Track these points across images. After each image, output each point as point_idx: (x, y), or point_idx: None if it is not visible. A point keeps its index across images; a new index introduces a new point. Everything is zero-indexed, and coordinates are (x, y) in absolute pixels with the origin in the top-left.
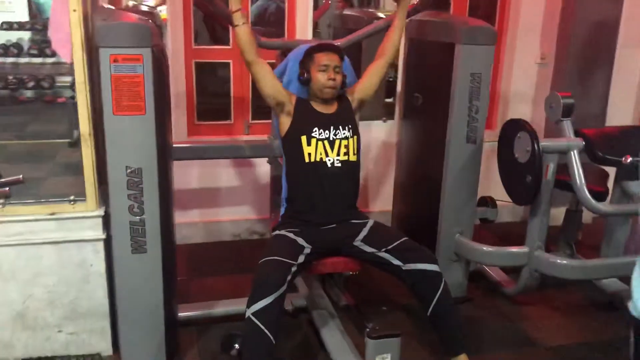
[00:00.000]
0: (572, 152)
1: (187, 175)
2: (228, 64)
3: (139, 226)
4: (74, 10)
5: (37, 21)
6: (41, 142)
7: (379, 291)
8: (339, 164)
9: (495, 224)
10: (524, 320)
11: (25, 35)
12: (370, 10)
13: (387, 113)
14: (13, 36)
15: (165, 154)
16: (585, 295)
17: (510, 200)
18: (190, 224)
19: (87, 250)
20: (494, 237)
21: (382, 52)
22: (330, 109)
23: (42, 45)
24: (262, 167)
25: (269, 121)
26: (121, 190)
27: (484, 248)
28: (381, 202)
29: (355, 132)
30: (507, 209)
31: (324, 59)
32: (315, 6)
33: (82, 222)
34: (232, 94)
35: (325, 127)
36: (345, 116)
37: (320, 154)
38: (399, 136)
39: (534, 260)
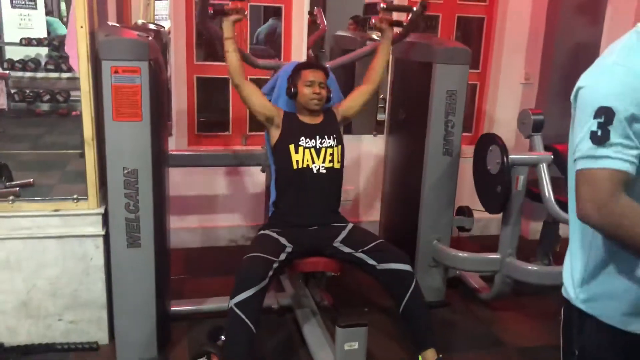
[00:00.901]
0: (541, 165)
1: (186, 183)
2: (227, 79)
3: (134, 222)
4: (81, 27)
5: (54, 38)
6: (54, 153)
7: (363, 294)
8: (324, 171)
9: (483, 236)
10: (497, 323)
11: (43, 51)
12: (363, 33)
13: (378, 128)
14: (32, 52)
15: (160, 159)
16: (558, 303)
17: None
18: (188, 229)
19: (88, 245)
20: (477, 248)
21: (367, 80)
22: (316, 120)
23: (58, 61)
24: (258, 177)
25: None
26: (118, 189)
27: (459, 254)
28: (370, 213)
29: (340, 142)
30: (494, 222)
31: (309, 75)
32: (313, 30)
33: (84, 218)
34: (230, 108)
35: (312, 137)
36: (331, 127)
37: (307, 161)
38: (386, 150)
39: (506, 266)
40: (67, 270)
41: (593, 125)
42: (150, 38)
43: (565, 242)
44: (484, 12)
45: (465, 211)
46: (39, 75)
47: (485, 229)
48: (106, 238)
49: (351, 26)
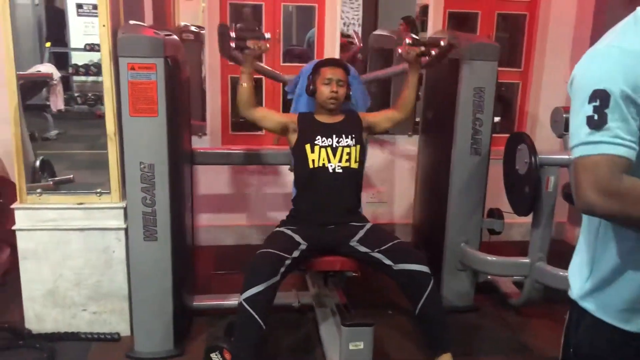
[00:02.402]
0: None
1: (217, 181)
2: (260, 79)
3: (151, 216)
4: (103, 26)
5: None
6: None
7: (388, 296)
8: (340, 170)
9: (518, 242)
10: (525, 330)
11: None
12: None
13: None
14: (95, 57)
15: (179, 156)
16: None
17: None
18: (219, 227)
19: (110, 237)
20: (509, 252)
21: (397, 108)
22: (335, 119)
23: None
24: (288, 176)
25: None
26: (136, 184)
27: (487, 257)
28: (404, 215)
29: (359, 142)
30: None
31: (328, 72)
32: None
33: (107, 212)
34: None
35: (328, 135)
36: (351, 127)
37: (323, 160)
38: (418, 150)
39: (536, 271)
40: (90, 262)
41: (588, 110)
42: (172, 36)
43: None
44: (526, 9)
45: (495, 213)
46: (101, 79)
47: (527, 234)
48: (127, 231)
49: (402, 26)
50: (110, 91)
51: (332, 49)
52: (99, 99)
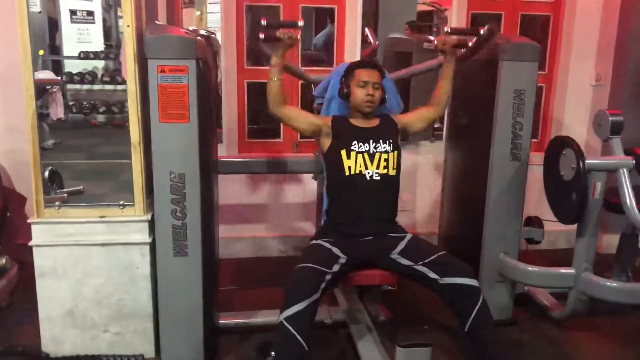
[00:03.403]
0: (621, 171)
1: (237, 191)
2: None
3: (181, 230)
4: (127, 26)
5: (112, 51)
6: (108, 162)
7: (422, 310)
8: (378, 177)
9: (549, 250)
10: (569, 344)
11: (100, 64)
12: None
13: (436, 134)
14: (89, 65)
15: (208, 164)
16: (638, 324)
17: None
18: (239, 238)
19: (134, 253)
20: (546, 262)
21: (434, 102)
22: (371, 123)
23: (114, 74)
24: (310, 185)
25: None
26: (165, 195)
27: (529, 268)
28: (428, 223)
29: (396, 147)
30: (562, 235)
31: (363, 75)
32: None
33: (130, 225)
34: None
35: (365, 141)
36: (387, 132)
37: (360, 167)
38: (445, 156)
39: (581, 282)
40: (112, 279)
41: None
42: (198, 37)
43: None
44: (550, 10)
45: (534, 222)
46: (96, 87)
47: (553, 243)
48: (152, 246)
49: (407, 31)
50: (135, 96)
51: (353, 52)
52: (95, 108)
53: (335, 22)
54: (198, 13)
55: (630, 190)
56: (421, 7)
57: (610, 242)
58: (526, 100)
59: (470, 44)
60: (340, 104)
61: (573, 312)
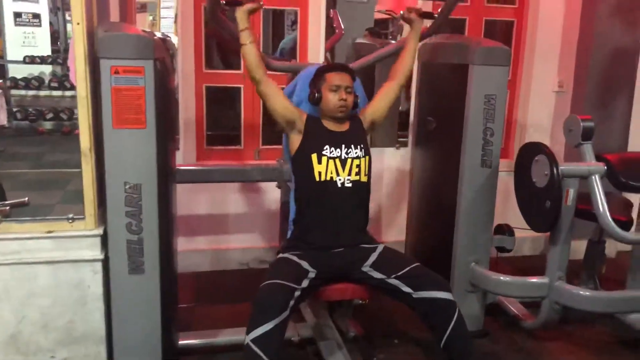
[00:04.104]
0: (593, 177)
1: (194, 200)
2: (239, 88)
3: (137, 245)
4: (77, 24)
5: (59, 55)
6: (55, 172)
7: (391, 323)
8: (350, 184)
9: (515, 257)
10: (545, 356)
11: (47, 69)
12: (383, 40)
13: (400, 141)
14: (35, 70)
15: (167, 174)
16: (610, 332)
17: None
18: (197, 251)
19: (85, 270)
20: (514, 270)
21: (394, 74)
22: (342, 127)
23: (62, 79)
24: (272, 194)
25: (280, 146)
26: (119, 207)
27: (501, 278)
28: (394, 232)
29: (367, 152)
30: (527, 242)
31: (335, 78)
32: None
33: (80, 241)
34: (242, 119)
35: (337, 146)
36: (358, 136)
37: (331, 173)
38: (412, 163)
39: (555, 291)
40: (60, 300)
41: None
42: (156, 37)
43: (611, 262)
44: (514, 15)
45: (505, 230)
46: (42, 93)
47: (519, 249)
48: (105, 263)
49: (367, 37)
50: (86, 100)
51: (316, 55)
52: (42, 114)
53: (298, 25)
54: (150, 18)
55: (603, 197)
56: (378, 15)
57: (575, 248)
58: (497, 106)
59: (435, 15)
60: (309, 108)
61: (546, 322)
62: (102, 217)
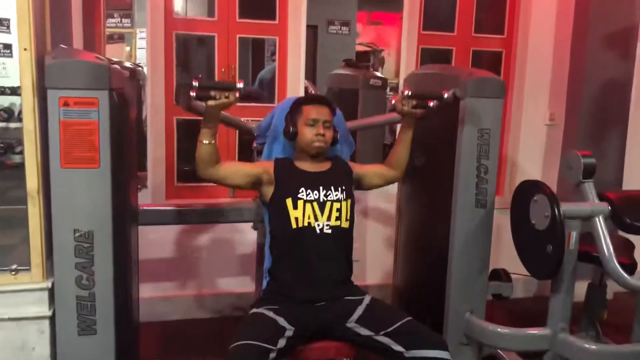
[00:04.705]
0: (597, 218)
1: (160, 242)
2: None
3: (88, 302)
4: (25, 49)
5: None
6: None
7: None
8: (329, 230)
9: (508, 301)
10: None
11: (17, 100)
12: (367, 70)
13: None
14: (5, 101)
15: (125, 217)
16: None
17: (527, 274)
18: (163, 298)
19: (29, 330)
20: (509, 315)
21: (391, 165)
22: (320, 167)
23: None
24: (248, 234)
25: None
26: (67, 258)
27: (499, 330)
28: (380, 274)
29: (350, 195)
30: (519, 283)
31: (312, 112)
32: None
33: (25, 296)
34: None
35: (314, 187)
36: (339, 177)
37: (309, 218)
38: (398, 201)
39: (558, 344)
40: None
41: None
42: (114, 66)
43: (613, 308)
44: (502, 46)
45: (501, 275)
46: (12, 125)
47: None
48: (54, 320)
49: (344, 69)
50: (33, 135)
51: (295, 87)
52: (10, 147)
53: (277, 56)
54: (128, 49)
55: (608, 240)
56: (360, 48)
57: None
58: (491, 141)
59: (431, 104)
60: (285, 144)
61: None
62: (51, 268)
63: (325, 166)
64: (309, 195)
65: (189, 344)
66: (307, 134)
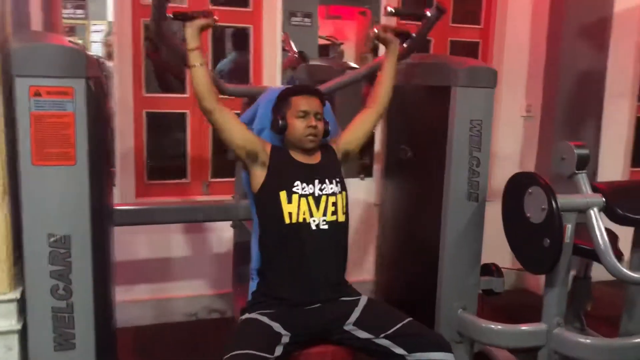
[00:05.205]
0: (591, 210)
1: (131, 243)
2: (184, 114)
3: (66, 313)
4: None
5: None
6: None
7: None
8: (326, 226)
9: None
10: None
11: None
12: (341, 61)
13: (364, 170)
14: None
15: (103, 218)
16: None
17: (511, 266)
18: (136, 302)
19: None
20: (497, 310)
21: (372, 101)
22: (313, 159)
23: None
24: (224, 233)
25: (232, 179)
26: (41, 266)
27: (492, 326)
28: (360, 271)
29: (344, 187)
30: None
31: (302, 103)
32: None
33: None
34: (188, 149)
35: (309, 181)
36: (332, 168)
37: (304, 214)
38: (381, 196)
39: (554, 340)
40: None
41: None
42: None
43: (599, 300)
44: (479, 37)
45: (493, 270)
46: None
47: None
48: (24, 335)
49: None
50: None
51: (271, 79)
52: None
53: (252, 45)
54: (80, 42)
55: (604, 233)
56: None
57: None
58: (483, 132)
59: (414, 34)
60: (272, 138)
61: None
62: (18, 276)
63: (317, 158)
64: (304, 189)
65: (164, 350)
66: (298, 126)
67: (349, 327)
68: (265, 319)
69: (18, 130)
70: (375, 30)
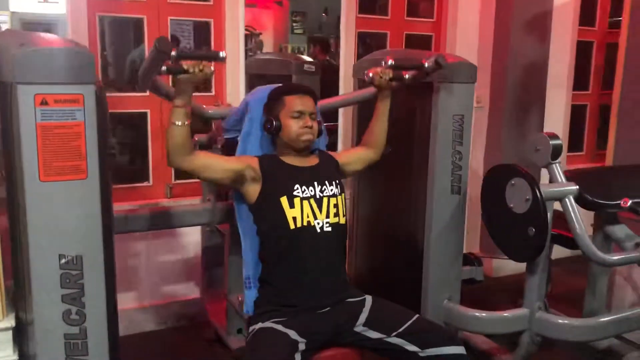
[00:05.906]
0: (567, 199)
1: None
2: (145, 114)
3: (79, 339)
4: None
5: None
6: None
7: None
8: (329, 228)
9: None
10: None
11: None
12: (298, 55)
13: None
14: None
15: (111, 232)
16: (574, 356)
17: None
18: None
19: None
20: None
21: (368, 145)
22: (309, 162)
23: None
24: (188, 237)
25: (197, 180)
26: (52, 290)
27: (477, 314)
28: None
29: (343, 189)
30: None
31: (297, 103)
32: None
33: None
34: (149, 150)
35: (309, 183)
36: (330, 171)
37: (308, 217)
38: (353, 190)
39: (536, 323)
40: None
41: None
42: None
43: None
44: (432, 30)
45: (473, 260)
46: None
47: None
48: None
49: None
50: None
51: (234, 75)
52: None
53: (212, 40)
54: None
55: (580, 219)
56: None
57: (499, 265)
58: (464, 127)
59: (406, 76)
60: (262, 138)
61: (526, 356)
62: (12, 301)
63: (313, 160)
64: (305, 192)
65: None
66: (293, 126)
67: (359, 328)
68: (280, 327)
69: (21, 144)
70: (371, 75)
